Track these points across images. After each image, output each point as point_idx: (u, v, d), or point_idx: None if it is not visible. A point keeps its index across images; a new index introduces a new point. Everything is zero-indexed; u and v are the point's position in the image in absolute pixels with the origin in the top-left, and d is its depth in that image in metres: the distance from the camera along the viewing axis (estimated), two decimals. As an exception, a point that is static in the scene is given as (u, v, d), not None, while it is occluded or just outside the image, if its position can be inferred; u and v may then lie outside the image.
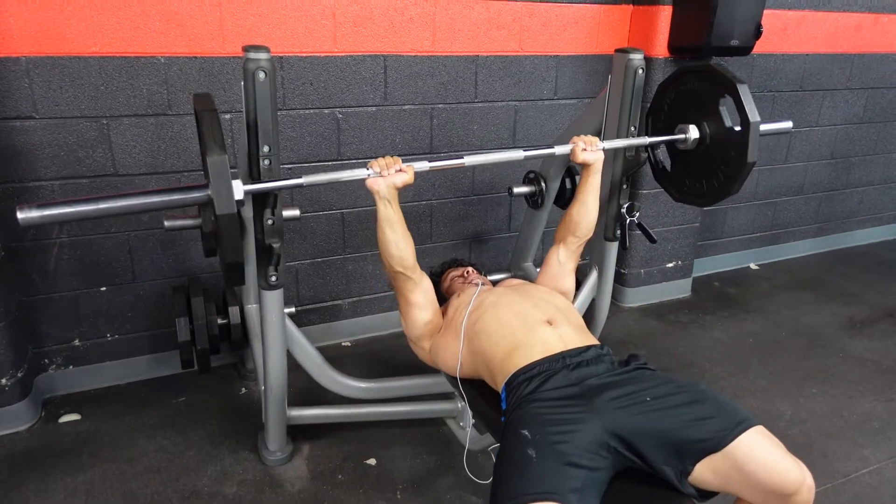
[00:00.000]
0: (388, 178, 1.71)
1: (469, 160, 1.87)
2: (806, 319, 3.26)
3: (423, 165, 1.78)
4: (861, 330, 3.16)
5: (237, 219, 1.42)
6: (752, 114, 1.88)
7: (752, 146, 1.90)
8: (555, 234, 2.04)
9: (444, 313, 1.96)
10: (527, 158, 1.94)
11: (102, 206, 1.40)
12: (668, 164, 2.24)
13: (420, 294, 1.86)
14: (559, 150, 1.96)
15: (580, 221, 1.97)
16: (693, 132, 2.06)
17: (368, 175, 1.71)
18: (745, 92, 1.89)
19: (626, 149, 2.18)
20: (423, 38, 2.59)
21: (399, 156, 2.73)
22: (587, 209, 1.97)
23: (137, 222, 2.37)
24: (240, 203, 1.46)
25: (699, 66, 2.04)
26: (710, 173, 2.07)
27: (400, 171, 1.73)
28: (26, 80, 2.08)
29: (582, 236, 1.99)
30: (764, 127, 1.94)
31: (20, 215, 1.34)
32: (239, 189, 1.45)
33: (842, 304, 3.45)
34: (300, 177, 1.66)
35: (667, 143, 2.15)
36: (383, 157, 1.74)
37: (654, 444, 1.37)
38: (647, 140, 2.13)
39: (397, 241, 1.76)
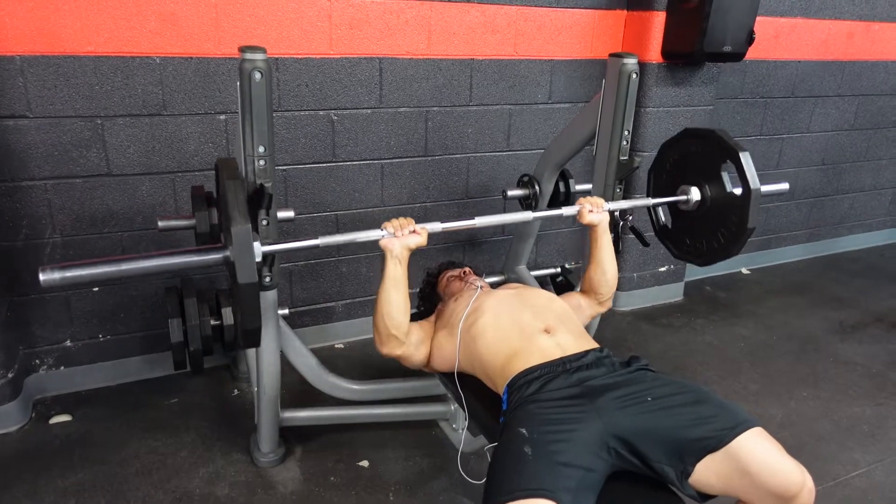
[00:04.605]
0: (402, 238, 1.70)
1: (480, 221, 1.88)
2: (797, 324, 3.28)
3: (436, 227, 1.79)
4: (851, 334, 3.19)
5: (257, 287, 1.41)
6: (754, 181, 1.91)
7: (752, 212, 1.94)
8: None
9: (440, 314, 1.96)
10: (535, 219, 1.94)
11: (124, 266, 1.46)
12: (669, 221, 2.26)
13: (414, 350, 1.85)
14: (566, 211, 2.01)
15: (600, 283, 1.95)
16: (695, 194, 2.09)
17: (383, 235, 1.71)
18: (746, 159, 1.92)
19: (619, 152, 2.19)
20: (419, 40, 2.60)
21: (394, 158, 2.76)
22: (603, 269, 1.94)
23: (131, 223, 2.36)
24: (259, 265, 1.45)
25: (703, 130, 2.07)
26: (710, 234, 2.10)
27: (413, 231, 1.72)
28: (21, 78, 2.07)
29: (605, 296, 1.97)
30: (763, 188, 1.98)
31: (42, 277, 1.36)
32: (258, 251, 1.45)
33: (832, 308, 3.47)
34: (315, 238, 1.65)
35: (669, 204, 2.19)
36: (396, 218, 1.72)
37: (655, 444, 1.38)
38: (650, 201, 2.18)
39: (399, 303, 1.73)
